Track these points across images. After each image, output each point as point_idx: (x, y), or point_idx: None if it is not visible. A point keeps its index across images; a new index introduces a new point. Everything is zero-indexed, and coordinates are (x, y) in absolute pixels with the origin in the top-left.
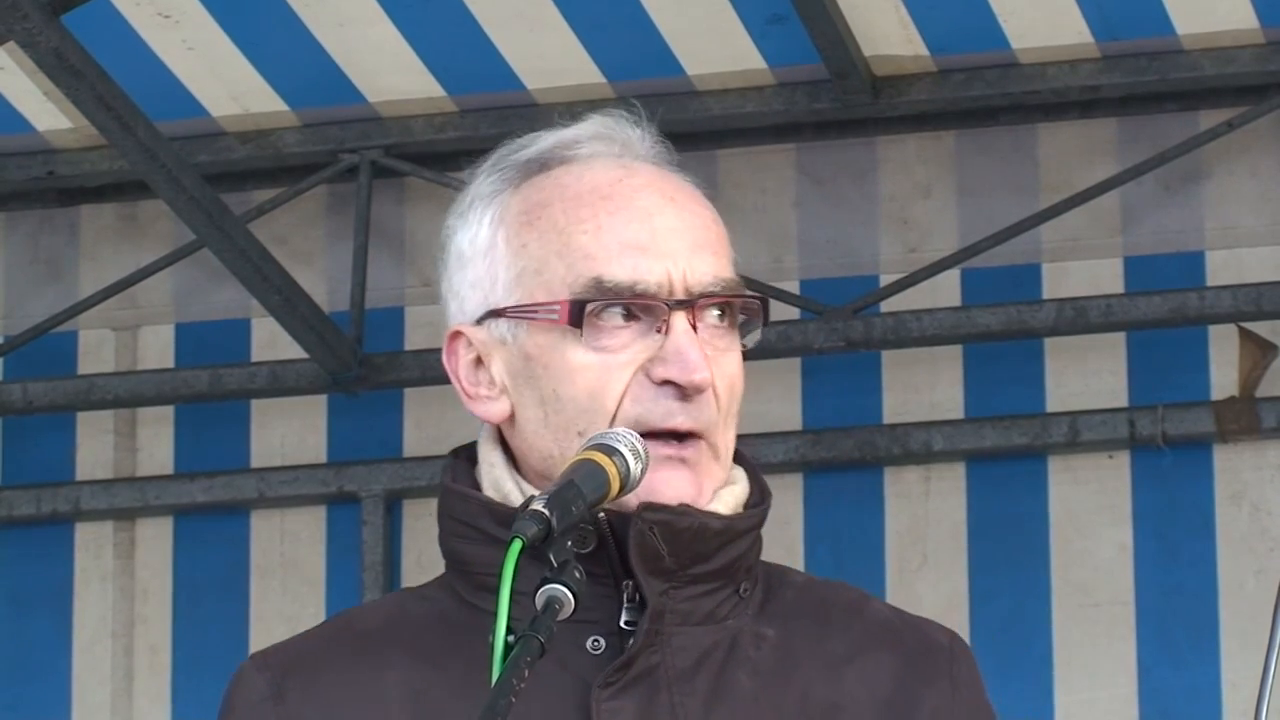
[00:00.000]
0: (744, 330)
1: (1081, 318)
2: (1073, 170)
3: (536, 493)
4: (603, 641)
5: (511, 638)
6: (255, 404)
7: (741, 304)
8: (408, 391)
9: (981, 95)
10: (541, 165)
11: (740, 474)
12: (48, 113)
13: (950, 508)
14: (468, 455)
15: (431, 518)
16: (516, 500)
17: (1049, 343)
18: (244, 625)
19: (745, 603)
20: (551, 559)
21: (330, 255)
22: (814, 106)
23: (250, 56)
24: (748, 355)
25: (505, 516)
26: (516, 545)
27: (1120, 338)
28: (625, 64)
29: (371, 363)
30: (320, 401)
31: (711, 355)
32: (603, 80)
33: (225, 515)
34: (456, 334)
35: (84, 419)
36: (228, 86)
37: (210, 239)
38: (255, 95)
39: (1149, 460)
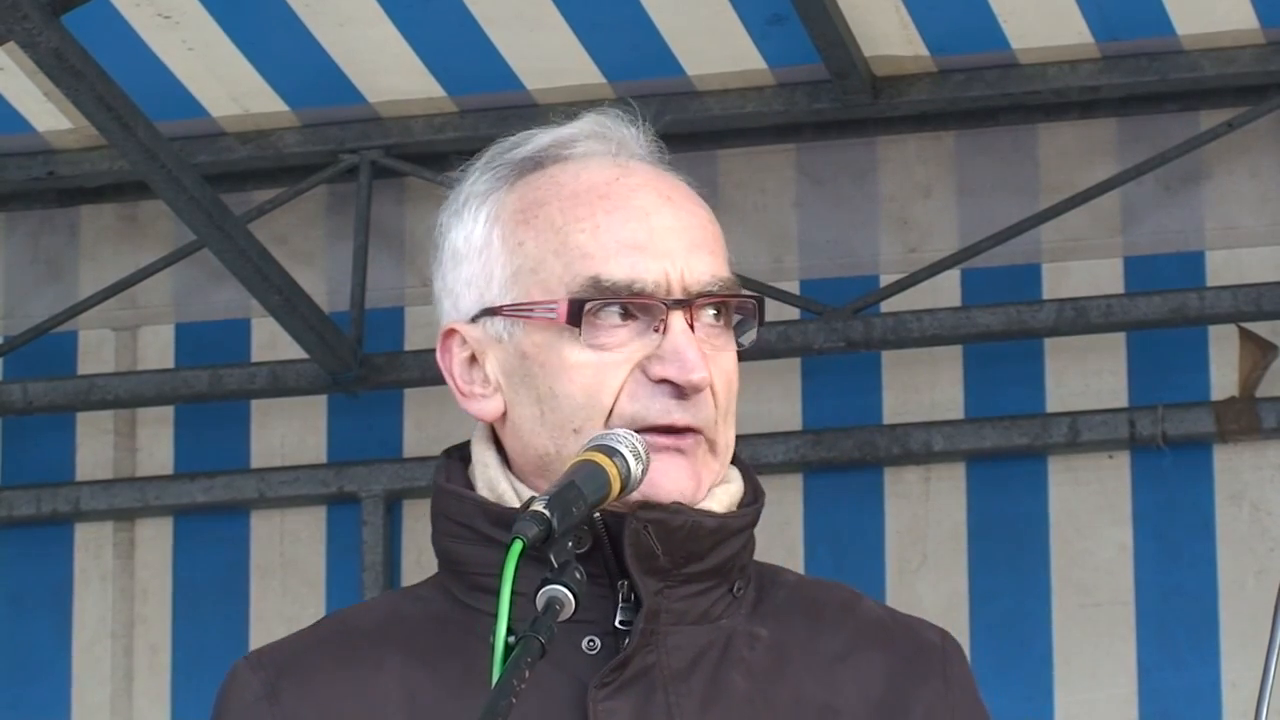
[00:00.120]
0: (740, 330)
1: (1081, 318)
2: (1073, 170)
3: (531, 492)
4: (598, 641)
5: (512, 639)
6: (255, 404)
7: (737, 304)
8: (408, 392)
9: (981, 95)
10: (536, 163)
11: (734, 473)
12: (48, 113)
13: (950, 508)
14: (461, 455)
15: None
16: (511, 499)
17: (1049, 343)
18: (244, 625)
19: (738, 602)
20: (552, 560)
21: (330, 255)
22: (814, 106)
23: (250, 56)
24: (747, 355)
25: (500, 516)
26: (517, 546)
27: (1120, 338)
28: (625, 64)
29: (371, 363)
30: (320, 402)
31: (708, 354)
32: (603, 80)
33: (225, 515)
34: (451, 332)
35: (84, 419)
36: (228, 86)
37: (210, 239)
38: (255, 95)
39: (1149, 460)
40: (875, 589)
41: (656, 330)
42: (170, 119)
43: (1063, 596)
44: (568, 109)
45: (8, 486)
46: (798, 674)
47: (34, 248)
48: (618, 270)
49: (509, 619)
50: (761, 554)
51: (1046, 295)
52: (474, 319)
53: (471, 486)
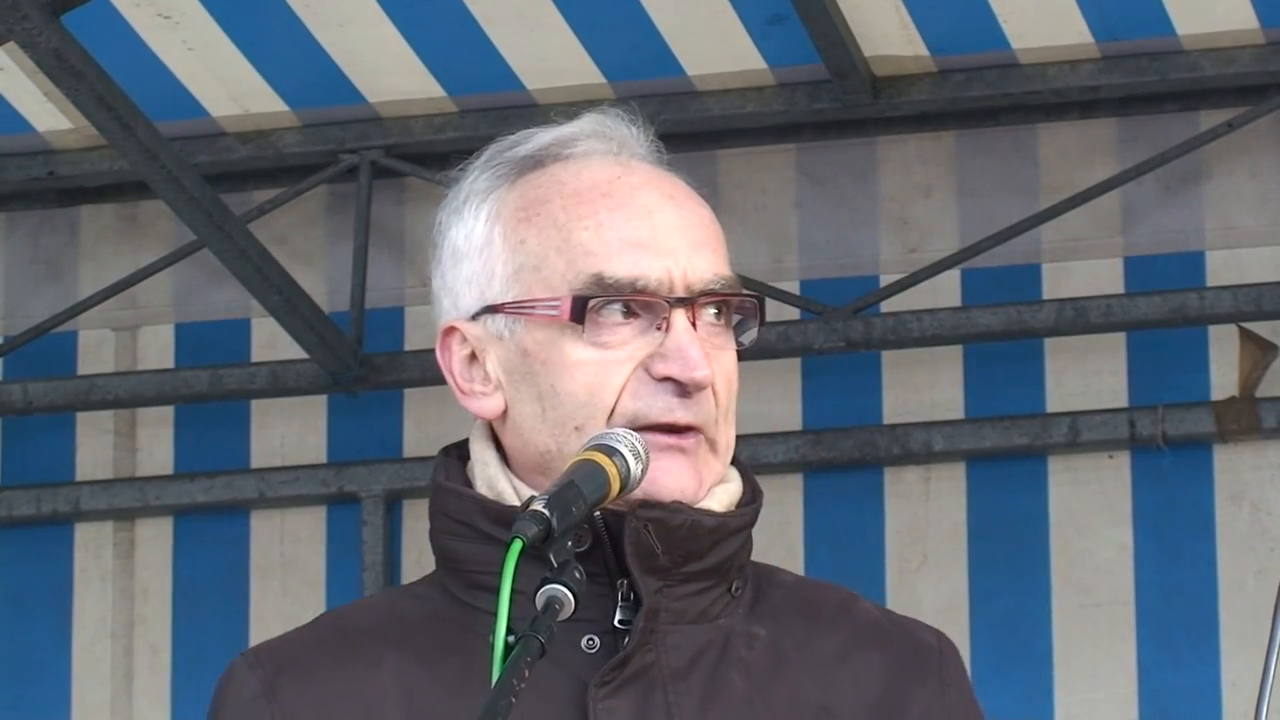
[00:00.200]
0: (740, 329)
1: (1081, 318)
2: (1073, 170)
3: (530, 490)
4: (597, 640)
5: (511, 638)
6: (255, 404)
7: (738, 303)
8: (408, 392)
9: (981, 95)
10: (537, 162)
11: (733, 473)
12: (48, 113)
13: (950, 508)
14: (459, 453)
15: None
16: (510, 497)
17: (1049, 343)
18: (244, 625)
19: (736, 602)
20: (552, 559)
21: (330, 255)
22: (814, 106)
23: (250, 57)
24: (747, 355)
25: (499, 514)
26: (517, 546)
27: (1120, 338)
28: (625, 64)
29: (371, 363)
30: (320, 402)
31: (710, 353)
32: (603, 80)
33: (225, 515)
34: (450, 329)
35: (84, 419)
36: (228, 87)
37: (210, 239)
38: (255, 95)
39: (1149, 460)
40: (875, 589)
41: (659, 328)
42: (170, 119)
43: (1063, 596)
44: (568, 109)
45: (8, 486)
46: (795, 674)
47: (34, 248)
48: (621, 268)
49: (508, 618)
50: (761, 554)
51: (1046, 295)
52: (474, 317)
53: (470, 484)
